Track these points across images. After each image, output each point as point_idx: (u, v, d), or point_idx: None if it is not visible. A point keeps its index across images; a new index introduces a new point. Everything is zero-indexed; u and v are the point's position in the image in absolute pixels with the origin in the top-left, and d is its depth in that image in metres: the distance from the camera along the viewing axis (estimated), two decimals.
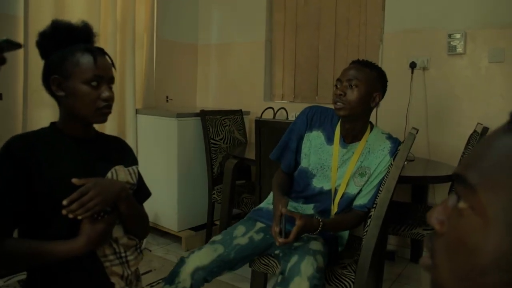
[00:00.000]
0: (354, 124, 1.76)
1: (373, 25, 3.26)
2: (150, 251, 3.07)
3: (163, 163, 3.23)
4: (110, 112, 1.26)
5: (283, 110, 3.31)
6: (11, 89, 2.80)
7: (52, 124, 1.29)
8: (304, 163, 1.87)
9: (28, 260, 1.15)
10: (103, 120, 1.25)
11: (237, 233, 1.79)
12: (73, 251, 1.13)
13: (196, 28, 4.17)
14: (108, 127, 3.20)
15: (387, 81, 1.79)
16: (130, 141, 3.37)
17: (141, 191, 1.47)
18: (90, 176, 1.20)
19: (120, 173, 1.31)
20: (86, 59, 1.21)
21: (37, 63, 2.75)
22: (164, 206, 3.23)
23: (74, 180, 1.16)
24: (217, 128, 3.26)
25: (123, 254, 1.30)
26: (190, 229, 3.25)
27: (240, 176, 3.11)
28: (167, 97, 3.92)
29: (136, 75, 3.46)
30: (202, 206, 3.24)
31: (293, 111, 3.34)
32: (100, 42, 3.05)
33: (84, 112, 1.21)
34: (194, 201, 3.25)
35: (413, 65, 3.03)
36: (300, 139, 1.88)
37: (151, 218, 3.22)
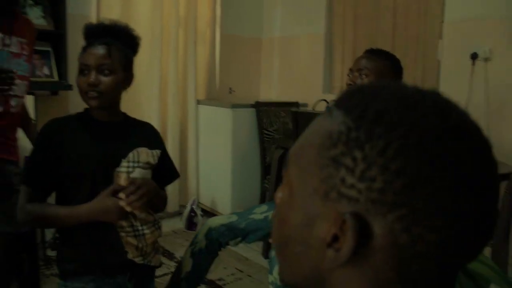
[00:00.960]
0: None
1: (433, 15, 3.13)
2: None
3: (220, 151, 3.42)
4: (97, 96, 1.35)
5: None
6: None
7: (86, 109, 1.46)
8: None
9: (43, 221, 1.40)
10: (94, 104, 1.36)
11: (257, 210, 1.92)
12: (72, 216, 1.31)
13: (260, 22, 4.28)
14: (170, 117, 3.46)
15: (402, 70, 1.77)
16: (191, 130, 3.61)
17: (169, 172, 1.61)
18: (111, 155, 1.36)
19: (142, 154, 1.43)
20: (82, 52, 1.37)
21: None
22: (219, 192, 3.43)
23: (122, 181, 1.33)
24: (271, 119, 3.37)
25: (139, 228, 1.44)
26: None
27: None
28: (230, 88, 4.09)
29: (199, 68, 3.68)
30: (255, 193, 3.38)
31: None
32: (163, 37, 3.31)
33: (81, 98, 1.39)
34: (248, 188, 3.40)
35: (474, 56, 2.88)
36: None
37: (208, 203, 3.43)
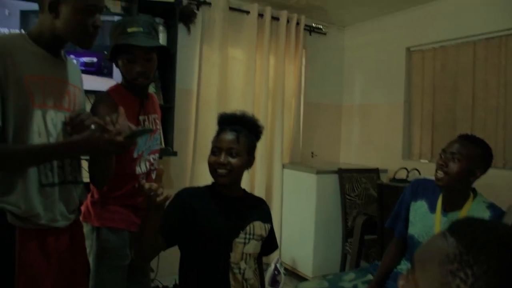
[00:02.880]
0: (453, 193, 1.89)
1: None
2: None
3: (303, 213, 3.64)
4: (225, 174, 1.59)
5: (415, 171, 3.46)
6: (184, 147, 3.53)
7: (213, 183, 1.71)
8: (411, 230, 2.05)
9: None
10: (222, 181, 1.59)
11: (346, 278, 2.09)
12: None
13: (340, 90, 4.58)
14: (258, 179, 3.76)
15: (492, 159, 1.89)
16: (276, 192, 3.88)
17: (272, 244, 1.83)
18: (234, 226, 1.61)
19: (256, 227, 1.69)
20: (216, 136, 1.67)
21: (206, 126, 3.47)
22: (301, 252, 3.62)
23: (238, 251, 1.58)
24: (353, 185, 3.57)
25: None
26: (323, 276, 3.55)
27: (371, 231, 3.33)
28: (312, 152, 4.36)
29: (284, 134, 4.00)
30: (336, 256, 3.54)
31: (428, 171, 3.46)
32: (254, 107, 3.65)
33: (211, 174, 1.64)
34: (329, 250, 3.57)
35: None
36: (408, 208, 2.09)
37: (290, 262, 3.61)
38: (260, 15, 3.83)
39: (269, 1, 3.82)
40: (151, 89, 3.29)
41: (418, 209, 2.04)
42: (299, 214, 3.71)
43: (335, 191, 3.58)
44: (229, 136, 1.63)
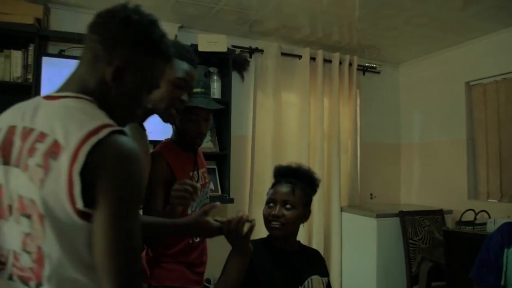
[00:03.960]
0: None
1: None
2: None
3: (363, 259, 3.50)
4: (278, 227, 1.58)
5: (484, 213, 3.25)
6: (240, 194, 3.54)
7: (268, 236, 1.69)
8: (506, 280, 1.89)
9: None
10: (276, 233, 1.58)
11: None
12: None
13: (398, 129, 4.46)
14: (315, 223, 3.69)
15: None
16: (335, 236, 3.77)
17: None
18: (292, 282, 1.57)
19: (315, 282, 1.65)
20: (271, 188, 1.68)
21: (262, 171, 3.47)
22: None
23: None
24: (416, 229, 3.40)
25: None
26: None
27: (438, 278, 3.14)
28: (371, 194, 4.23)
29: (341, 176, 3.92)
30: None
31: (498, 212, 3.24)
32: (310, 150, 3.63)
33: (265, 226, 1.62)
34: None
35: None
36: (498, 256, 1.91)
37: None
38: (312, 59, 3.86)
39: (321, 45, 3.85)
40: (207, 137, 3.37)
41: (510, 255, 1.89)
42: (360, 260, 3.56)
43: (397, 235, 3.42)
44: (284, 188, 1.63)
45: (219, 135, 3.46)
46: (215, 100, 3.25)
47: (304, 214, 1.66)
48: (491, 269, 1.92)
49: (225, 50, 3.26)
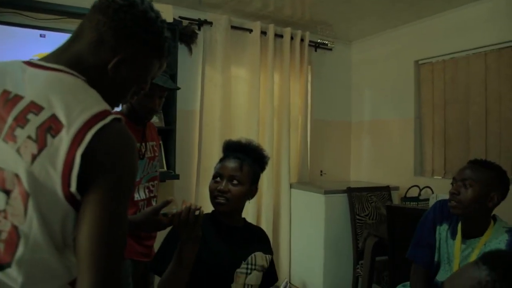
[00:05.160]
0: (471, 221, 1.78)
1: None
2: None
3: (312, 234, 3.51)
4: (224, 203, 1.53)
5: (428, 189, 3.31)
6: (188, 170, 3.45)
7: (213, 211, 1.63)
8: (436, 256, 1.92)
9: None
10: (221, 209, 1.53)
11: None
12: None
13: (349, 107, 4.47)
14: (265, 200, 3.66)
15: (509, 181, 1.77)
16: (284, 212, 3.76)
17: (272, 276, 1.74)
18: (235, 257, 1.54)
19: (258, 258, 1.62)
20: (219, 162, 1.63)
21: (209, 147, 3.39)
22: (311, 274, 3.48)
23: (240, 281, 1.52)
24: (363, 204, 3.43)
25: None
26: None
27: (383, 253, 3.19)
28: (321, 171, 4.24)
29: (291, 153, 3.89)
30: (347, 278, 3.40)
31: (441, 188, 3.31)
32: (259, 127, 3.56)
33: (210, 201, 1.57)
34: (339, 272, 3.42)
35: None
36: (432, 232, 1.93)
37: (299, 285, 3.50)
38: (263, 33, 3.76)
39: (272, 19, 3.76)
40: None
41: (442, 232, 1.91)
42: (308, 236, 3.57)
43: (345, 211, 3.44)
44: (232, 163, 1.59)
45: (165, 110, 3.34)
46: None
47: (251, 190, 1.62)
48: (425, 247, 1.93)
49: (171, 20, 3.12)
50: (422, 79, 3.85)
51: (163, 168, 3.25)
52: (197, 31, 3.53)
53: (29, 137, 0.82)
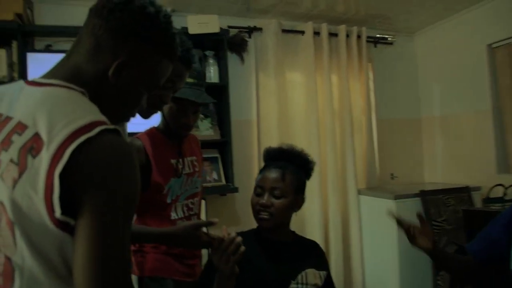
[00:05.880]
0: None
1: None
2: None
3: (385, 244, 3.25)
4: (267, 218, 1.43)
5: None
6: (246, 182, 3.33)
7: (258, 227, 1.53)
8: None
9: None
10: (265, 225, 1.45)
11: None
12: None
13: (417, 103, 4.14)
14: (331, 208, 3.46)
15: None
16: (353, 221, 3.53)
17: None
18: (283, 275, 1.40)
19: (310, 276, 1.47)
20: (259, 173, 1.57)
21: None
22: (386, 286, 3.21)
23: None
24: (439, 209, 3.12)
25: None
26: None
27: None
28: (391, 174, 3.95)
29: (357, 157, 3.66)
30: None
31: None
32: (319, 131, 3.39)
33: (253, 216, 1.48)
34: (417, 284, 3.12)
35: None
36: (505, 229, 1.63)
37: None
38: (316, 33, 3.58)
39: (325, 17, 3.58)
40: (207, 124, 3.19)
41: None
42: (381, 245, 3.31)
43: None
44: (273, 173, 1.47)
45: (219, 122, 3.27)
46: (212, 84, 3.13)
47: (296, 201, 1.49)
48: (486, 240, 1.63)
49: (217, 30, 3.05)
50: (498, 65, 3.45)
51: (221, 181, 3.17)
52: (247, 39, 3.43)
53: (11, 160, 0.74)
